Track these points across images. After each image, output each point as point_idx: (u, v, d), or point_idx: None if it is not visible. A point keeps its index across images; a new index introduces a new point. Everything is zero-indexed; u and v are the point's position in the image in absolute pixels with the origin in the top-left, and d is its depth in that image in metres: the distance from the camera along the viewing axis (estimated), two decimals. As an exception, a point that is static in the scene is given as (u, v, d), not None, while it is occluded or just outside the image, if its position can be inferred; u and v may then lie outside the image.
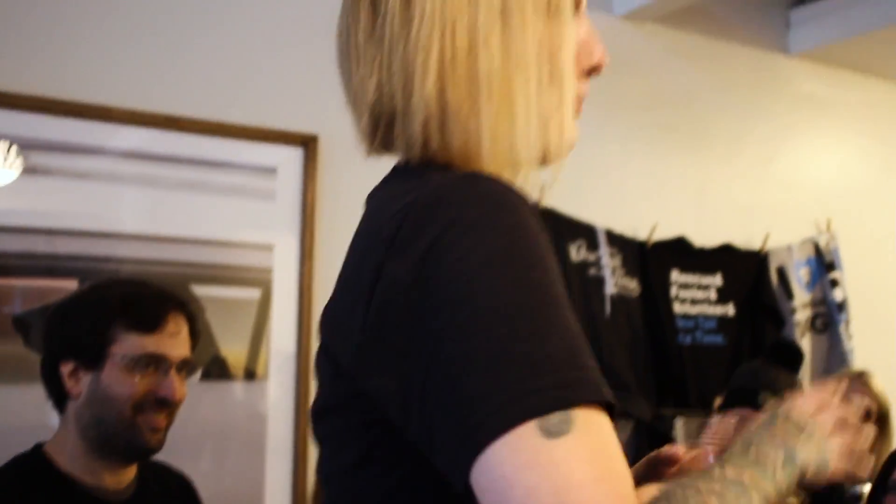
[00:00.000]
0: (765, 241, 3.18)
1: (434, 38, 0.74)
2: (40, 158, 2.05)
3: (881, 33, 3.20)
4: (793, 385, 2.14)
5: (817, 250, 3.29)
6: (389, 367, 0.66)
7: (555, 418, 0.59)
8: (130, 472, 1.49)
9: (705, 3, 3.03)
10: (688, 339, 2.97)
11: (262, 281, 2.28)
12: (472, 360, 0.61)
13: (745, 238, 3.17)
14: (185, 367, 1.50)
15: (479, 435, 0.60)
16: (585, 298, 2.75)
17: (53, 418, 1.50)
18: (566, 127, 0.78)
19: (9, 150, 2.01)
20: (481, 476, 0.60)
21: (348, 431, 0.73)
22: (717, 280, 3.08)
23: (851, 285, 3.29)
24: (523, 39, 0.75)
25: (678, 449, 1.05)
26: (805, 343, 3.18)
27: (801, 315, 3.22)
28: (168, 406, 1.45)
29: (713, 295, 3.07)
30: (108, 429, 1.42)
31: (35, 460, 1.44)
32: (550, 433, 0.59)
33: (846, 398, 0.88)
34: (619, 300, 2.83)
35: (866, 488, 2.24)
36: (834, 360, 3.22)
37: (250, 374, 2.26)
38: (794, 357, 2.31)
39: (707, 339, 3.02)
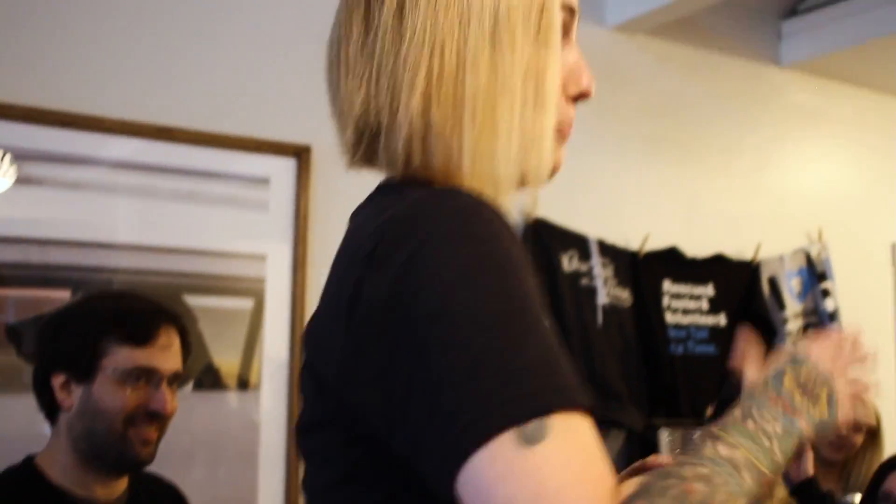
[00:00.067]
0: (756, 252, 3.19)
1: (423, 56, 0.75)
2: (34, 168, 2.05)
3: (872, 45, 3.22)
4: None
5: (809, 260, 3.30)
6: (371, 382, 0.67)
7: (532, 426, 0.60)
8: (121, 484, 1.49)
9: (697, 14, 3.05)
10: (680, 349, 2.98)
11: (255, 291, 2.29)
12: (451, 373, 0.62)
13: (737, 248, 3.18)
14: (177, 380, 1.50)
15: (459, 446, 0.61)
16: (577, 308, 2.75)
17: (45, 428, 1.51)
18: (545, 151, 0.79)
19: (2, 160, 2.01)
20: (464, 487, 0.61)
21: (333, 447, 0.74)
22: (708, 290, 3.09)
23: (843, 295, 3.31)
24: (511, 62, 0.76)
25: (664, 459, 1.05)
26: (796, 353, 3.18)
27: (793, 325, 3.23)
28: (159, 419, 1.46)
29: (705, 305, 3.08)
30: (100, 441, 1.43)
31: (26, 472, 1.45)
32: (528, 441, 0.60)
33: (857, 344, 0.86)
34: (612, 310, 2.84)
35: (857, 498, 2.25)
36: (825, 369, 3.22)
37: (243, 384, 2.26)
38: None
39: (699, 349, 3.03)
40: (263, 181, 2.32)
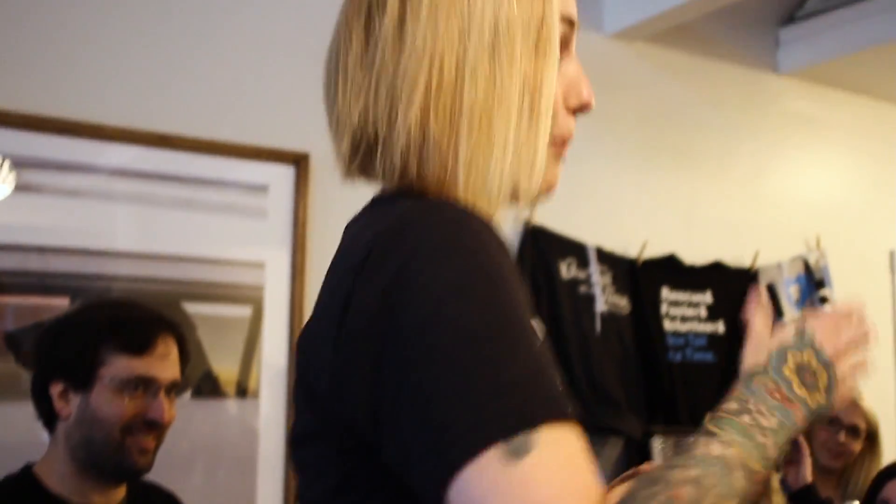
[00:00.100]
0: (754, 259, 3.20)
1: (422, 69, 0.75)
2: (33, 176, 2.05)
3: (870, 52, 3.23)
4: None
5: (807, 268, 3.31)
6: (360, 394, 0.68)
7: (518, 440, 0.61)
8: (119, 493, 1.50)
9: (695, 22, 3.05)
10: (678, 357, 2.98)
11: (253, 298, 2.29)
12: (439, 386, 0.63)
13: (735, 256, 3.18)
14: (175, 389, 1.50)
15: (447, 460, 0.61)
16: (576, 316, 2.75)
17: (43, 436, 1.51)
18: (537, 167, 0.78)
19: (1, 167, 2.01)
20: (454, 501, 0.61)
21: (326, 458, 0.74)
22: (707, 298, 3.09)
23: (841, 303, 3.30)
24: (510, 75, 0.76)
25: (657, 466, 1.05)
26: (795, 360, 3.18)
27: (791, 332, 3.22)
28: (157, 428, 1.46)
29: (703, 312, 3.08)
30: (97, 450, 1.43)
31: (25, 481, 1.45)
32: (514, 454, 0.60)
33: (861, 320, 0.86)
34: (610, 318, 2.84)
35: (855, 505, 2.25)
36: (823, 376, 3.23)
37: (242, 391, 2.26)
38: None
39: (697, 357, 3.03)
40: (262, 189, 2.33)
